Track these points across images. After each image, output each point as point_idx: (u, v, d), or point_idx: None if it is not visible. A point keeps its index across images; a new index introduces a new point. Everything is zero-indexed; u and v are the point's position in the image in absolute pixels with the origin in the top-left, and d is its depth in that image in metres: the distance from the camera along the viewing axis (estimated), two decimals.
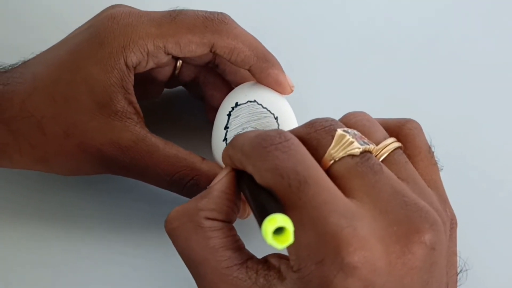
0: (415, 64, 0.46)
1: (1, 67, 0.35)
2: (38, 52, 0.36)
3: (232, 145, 0.27)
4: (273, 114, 0.34)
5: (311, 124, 0.26)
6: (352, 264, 0.22)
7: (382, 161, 0.26)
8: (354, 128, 0.26)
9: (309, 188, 0.23)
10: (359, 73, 0.45)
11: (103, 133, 0.32)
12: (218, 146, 0.34)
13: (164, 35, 0.33)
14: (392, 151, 0.27)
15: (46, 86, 0.33)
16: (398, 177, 0.25)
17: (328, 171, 0.25)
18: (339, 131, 0.26)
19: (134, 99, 0.33)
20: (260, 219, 0.25)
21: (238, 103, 0.34)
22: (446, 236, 0.25)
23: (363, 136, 0.26)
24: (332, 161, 0.25)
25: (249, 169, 0.25)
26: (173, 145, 0.34)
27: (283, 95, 0.36)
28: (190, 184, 0.33)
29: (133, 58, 0.33)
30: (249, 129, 0.34)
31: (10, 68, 0.35)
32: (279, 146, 0.24)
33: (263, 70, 0.34)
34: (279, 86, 0.35)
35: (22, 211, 0.37)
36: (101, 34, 0.33)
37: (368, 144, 0.26)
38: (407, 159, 0.27)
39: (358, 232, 0.22)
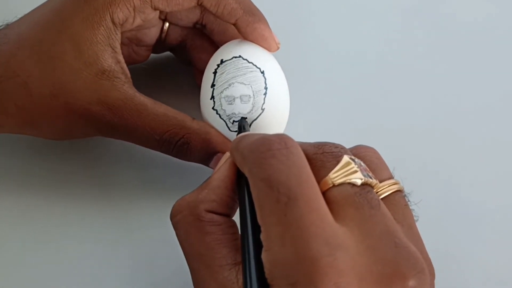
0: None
1: None
2: (21, 16, 0.35)
3: (235, 146, 0.26)
4: (259, 69, 0.34)
5: (320, 146, 0.26)
6: None
7: (382, 199, 0.25)
8: (362, 161, 0.26)
9: (297, 206, 0.22)
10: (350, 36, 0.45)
11: (91, 93, 0.32)
12: (206, 105, 0.34)
13: None
14: (393, 192, 0.26)
15: (31, 45, 0.32)
16: (394, 219, 0.24)
17: (325, 194, 0.24)
18: (346, 157, 0.25)
19: (121, 58, 0.33)
20: (242, 233, 0.25)
21: (223, 60, 0.34)
22: None
23: (368, 169, 0.26)
24: (331, 185, 0.24)
25: (246, 174, 0.25)
26: (162, 104, 0.33)
27: (269, 51, 0.35)
28: (180, 142, 0.33)
29: (119, 14, 0.32)
30: (236, 84, 0.33)
31: None
32: (277, 153, 0.24)
33: (249, 24, 0.34)
34: (264, 41, 0.35)
35: (12, 178, 0.37)
36: None
37: (371, 178, 0.25)
38: (407, 203, 0.27)
39: (337, 264, 0.21)
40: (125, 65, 0.33)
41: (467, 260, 0.35)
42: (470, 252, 0.35)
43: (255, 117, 0.33)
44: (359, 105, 0.41)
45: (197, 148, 0.33)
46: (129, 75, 0.33)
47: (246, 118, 0.33)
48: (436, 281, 0.25)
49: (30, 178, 0.37)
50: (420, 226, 0.27)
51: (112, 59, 0.32)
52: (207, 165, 0.34)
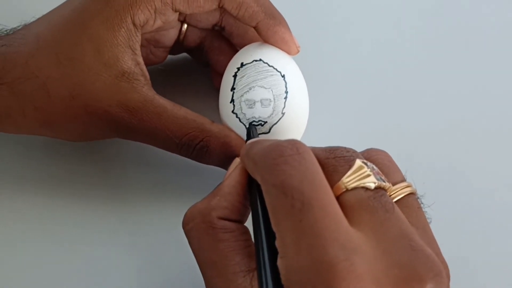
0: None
1: (2, 30, 0.34)
2: (39, 16, 0.35)
3: (246, 153, 0.26)
4: (280, 72, 0.33)
5: (332, 150, 0.26)
6: None
7: (395, 202, 0.25)
8: (375, 165, 0.26)
9: (312, 212, 0.22)
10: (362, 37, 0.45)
11: (110, 94, 0.32)
12: (226, 108, 0.34)
13: None
14: (406, 195, 0.26)
15: (50, 46, 0.32)
16: (409, 222, 0.24)
17: (338, 199, 0.24)
18: (358, 161, 0.25)
19: (141, 60, 0.33)
20: (256, 240, 0.24)
21: (244, 63, 0.34)
22: None
23: (380, 173, 0.26)
24: (344, 190, 0.24)
25: (258, 180, 0.25)
26: (181, 107, 0.33)
27: (289, 55, 0.35)
28: (200, 146, 0.33)
29: (140, 16, 0.32)
30: (256, 88, 0.33)
31: (11, 31, 0.34)
32: (289, 159, 0.23)
33: (270, 27, 0.34)
34: (285, 44, 0.34)
35: (27, 178, 0.37)
36: None
37: (384, 182, 0.25)
38: (420, 206, 0.26)
39: (355, 268, 0.21)
40: (144, 67, 0.33)
41: (480, 263, 0.35)
42: (484, 255, 0.35)
43: (275, 121, 0.33)
44: (377, 109, 0.41)
45: (216, 151, 0.33)
46: (148, 77, 0.33)
47: (253, 123, 0.33)
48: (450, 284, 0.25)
49: (45, 179, 0.37)
50: (434, 229, 0.26)
51: (132, 61, 0.32)
52: (226, 169, 0.33)
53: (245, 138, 0.33)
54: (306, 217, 0.22)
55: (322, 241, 0.22)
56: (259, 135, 0.33)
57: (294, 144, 0.24)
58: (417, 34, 0.45)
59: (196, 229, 0.26)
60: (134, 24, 0.32)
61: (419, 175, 0.30)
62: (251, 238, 0.27)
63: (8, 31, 0.34)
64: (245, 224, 0.28)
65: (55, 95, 0.32)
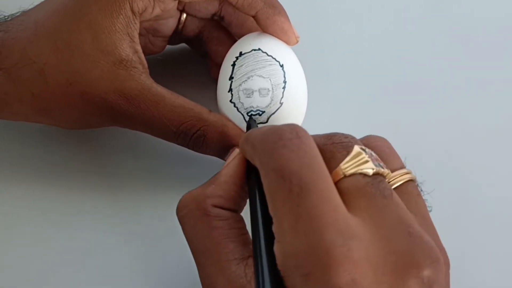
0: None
1: (1, 16, 0.34)
2: (38, 3, 0.35)
3: (245, 138, 0.26)
4: (279, 62, 0.33)
5: (329, 136, 0.26)
6: (338, 285, 0.21)
7: (394, 189, 0.25)
8: (373, 151, 0.26)
9: (310, 196, 0.22)
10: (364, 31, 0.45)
11: (108, 82, 0.32)
12: (224, 97, 0.34)
13: None
14: (406, 182, 0.26)
15: (48, 32, 0.32)
16: (407, 208, 0.24)
17: (336, 185, 0.24)
18: (357, 147, 0.25)
19: (139, 48, 0.33)
20: (252, 226, 0.24)
21: (243, 52, 0.33)
22: (445, 279, 0.23)
23: (379, 159, 0.25)
24: (342, 176, 0.24)
25: (257, 165, 0.25)
26: (179, 95, 0.33)
27: (288, 45, 0.35)
28: (197, 135, 0.33)
29: (139, 3, 0.32)
30: (255, 77, 0.33)
31: (10, 18, 0.34)
32: (288, 143, 0.23)
33: (269, 17, 0.34)
34: (284, 34, 0.34)
35: (23, 166, 0.37)
36: None
37: (383, 168, 0.25)
38: (419, 193, 0.26)
39: (352, 254, 0.21)
40: (142, 55, 0.33)
41: (479, 251, 0.35)
42: (485, 246, 0.35)
43: (273, 111, 0.33)
44: (376, 100, 0.41)
45: (214, 140, 0.33)
46: (146, 65, 0.33)
47: (251, 113, 0.33)
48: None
49: (41, 166, 0.37)
50: (434, 219, 0.26)
51: (130, 48, 0.32)
52: (223, 159, 0.34)
53: (242, 127, 0.33)
54: (304, 202, 0.22)
55: (319, 226, 0.22)
56: (257, 125, 0.33)
57: (293, 128, 0.24)
58: (417, 26, 0.45)
59: (190, 216, 0.26)
60: (132, 11, 0.32)
61: (425, 167, 0.30)
62: (245, 227, 0.27)
63: (6, 17, 0.34)
64: (241, 214, 0.28)
65: (53, 82, 0.32)
